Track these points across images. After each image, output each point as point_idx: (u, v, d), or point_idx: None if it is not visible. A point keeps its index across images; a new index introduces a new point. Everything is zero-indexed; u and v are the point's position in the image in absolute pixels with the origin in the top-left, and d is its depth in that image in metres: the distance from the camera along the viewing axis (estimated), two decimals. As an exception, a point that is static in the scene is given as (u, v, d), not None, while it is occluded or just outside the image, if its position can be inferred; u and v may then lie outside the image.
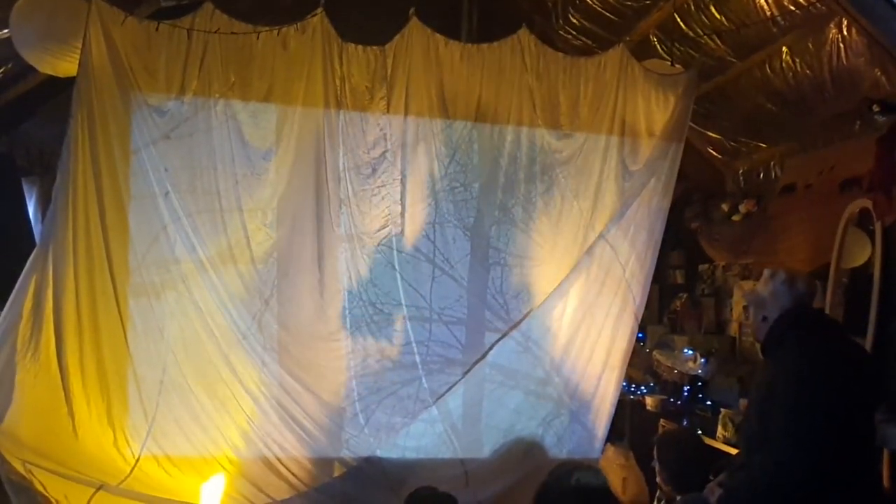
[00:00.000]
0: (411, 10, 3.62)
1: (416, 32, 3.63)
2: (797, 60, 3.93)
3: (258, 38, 3.44)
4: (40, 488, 3.15)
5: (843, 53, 3.62)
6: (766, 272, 2.62)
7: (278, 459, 3.53)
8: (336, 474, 3.63)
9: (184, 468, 3.47)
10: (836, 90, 3.82)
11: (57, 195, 3.28)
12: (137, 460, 3.38)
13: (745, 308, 2.73)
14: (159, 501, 3.32)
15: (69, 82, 3.37)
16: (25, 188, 4.86)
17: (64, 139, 3.29)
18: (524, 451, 3.80)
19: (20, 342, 3.22)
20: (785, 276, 2.58)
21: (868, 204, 3.57)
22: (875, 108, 3.42)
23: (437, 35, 3.67)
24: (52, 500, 3.15)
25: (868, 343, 3.35)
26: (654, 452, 3.10)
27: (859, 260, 3.67)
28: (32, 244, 3.53)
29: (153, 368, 3.45)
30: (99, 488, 3.22)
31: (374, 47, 3.63)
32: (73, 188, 3.28)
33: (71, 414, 3.28)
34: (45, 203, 4.55)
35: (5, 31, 3.65)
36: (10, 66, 4.23)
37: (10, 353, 3.21)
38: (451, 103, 3.73)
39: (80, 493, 3.20)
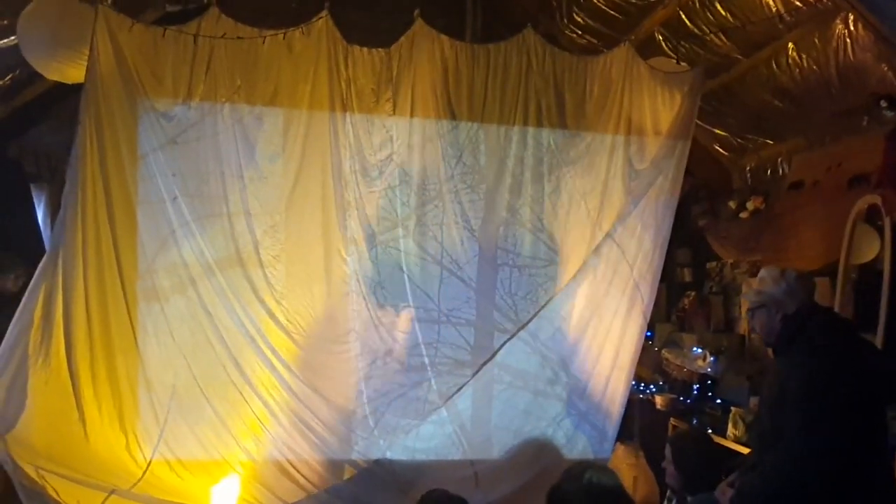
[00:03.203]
0: (416, 12, 3.62)
1: (420, 34, 3.63)
2: (804, 56, 3.91)
3: (263, 41, 3.45)
4: (53, 493, 3.16)
5: (849, 49, 3.60)
6: (774, 271, 2.61)
7: (289, 462, 3.54)
8: (346, 476, 3.64)
9: (195, 472, 3.48)
10: (842, 86, 3.81)
11: (66, 201, 3.29)
12: (149, 464, 3.40)
13: (753, 310, 2.70)
14: (170, 505, 3.34)
15: (76, 88, 3.39)
16: (34, 194, 4.88)
17: (72, 145, 3.31)
18: (534, 452, 3.79)
19: (31, 348, 3.24)
20: (795, 273, 2.57)
21: (877, 200, 3.56)
22: (883, 103, 3.41)
23: (442, 36, 3.68)
24: (65, 505, 3.17)
25: (878, 339, 3.34)
26: (669, 454, 3.09)
27: (868, 256, 3.65)
28: (42, 250, 3.54)
29: (164, 372, 3.47)
30: (111, 493, 3.23)
31: (379, 49, 3.63)
32: (81, 194, 3.30)
33: (82, 419, 3.30)
34: (54, 209, 4.58)
35: (12, 37, 3.67)
36: (17, 72, 4.25)
37: (21, 359, 3.23)
38: (456, 104, 3.73)
39: (92, 498, 3.21)
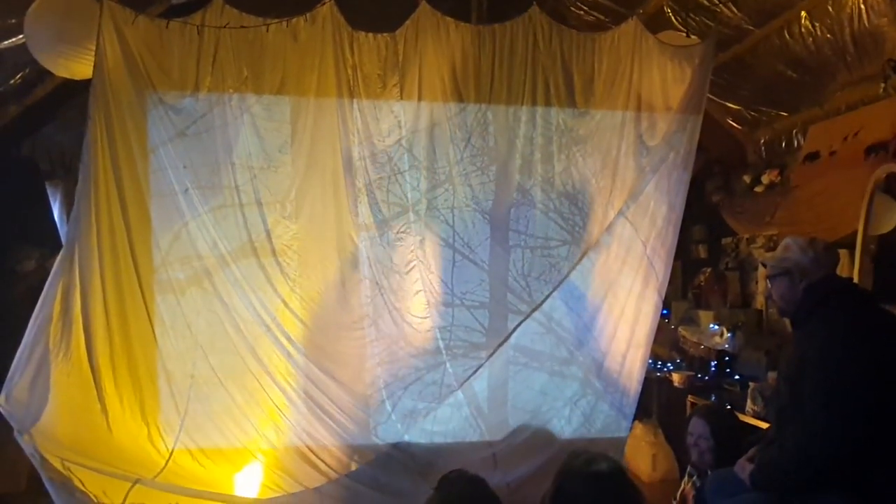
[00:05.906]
0: (420, -6, 3.59)
1: (425, 17, 3.61)
2: (817, 25, 3.84)
3: (268, 30, 3.44)
4: (79, 484, 3.22)
5: (864, 15, 3.53)
6: (801, 240, 2.59)
7: (309, 448, 3.57)
8: (366, 461, 3.66)
9: (217, 460, 3.53)
10: (858, 53, 3.74)
11: (79, 197, 3.32)
12: (171, 454, 3.44)
13: (774, 278, 2.67)
14: (194, 493, 3.38)
15: (86, 85, 3.40)
16: (49, 192, 4.94)
17: (83, 141, 3.33)
18: (546, 436, 3.79)
19: (52, 343, 3.28)
20: (824, 243, 2.55)
21: (895, 168, 3.50)
22: (899, 69, 3.34)
23: (447, 18, 3.65)
24: (91, 496, 3.22)
25: (899, 310, 3.29)
26: (707, 430, 3.10)
27: (887, 226, 3.60)
28: (58, 247, 3.58)
29: (182, 363, 3.51)
30: (136, 482, 3.28)
31: (385, 34, 3.61)
32: (94, 189, 3.32)
33: (104, 411, 3.34)
34: (69, 206, 4.62)
35: (20, 36, 3.69)
36: (27, 71, 4.29)
37: (43, 355, 3.27)
38: (463, 86, 3.70)
39: (117, 488, 3.27)
